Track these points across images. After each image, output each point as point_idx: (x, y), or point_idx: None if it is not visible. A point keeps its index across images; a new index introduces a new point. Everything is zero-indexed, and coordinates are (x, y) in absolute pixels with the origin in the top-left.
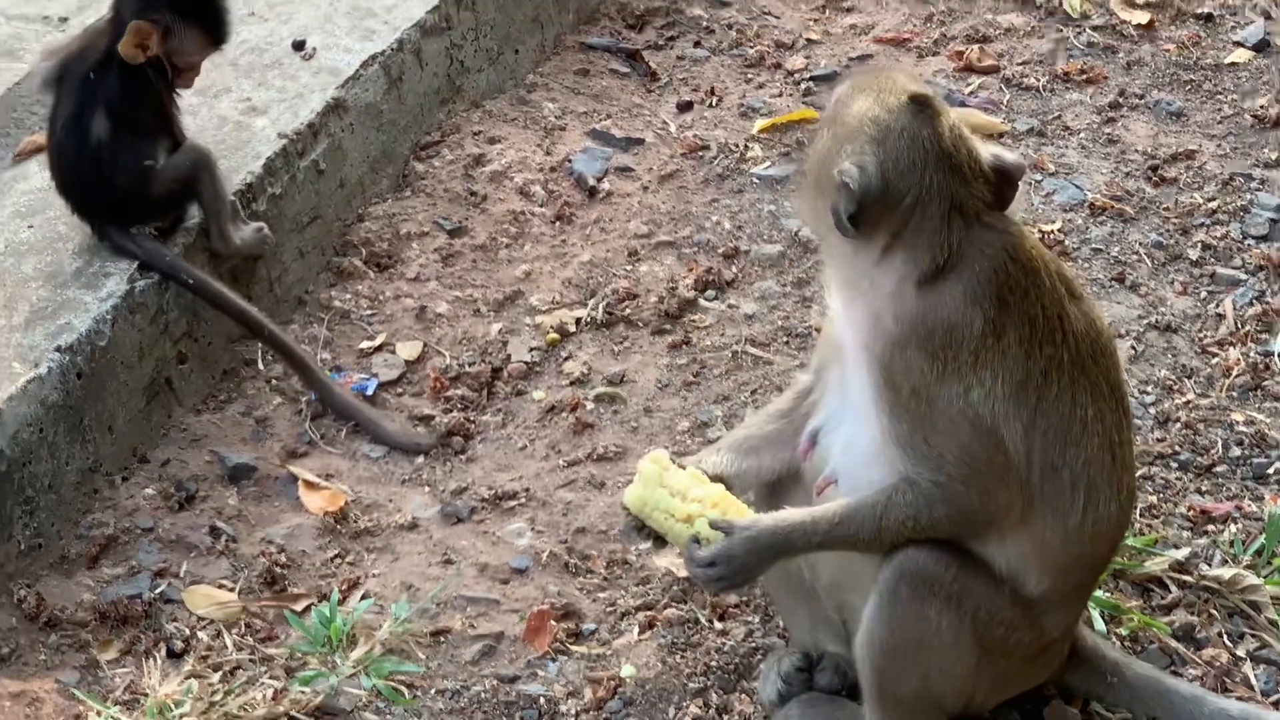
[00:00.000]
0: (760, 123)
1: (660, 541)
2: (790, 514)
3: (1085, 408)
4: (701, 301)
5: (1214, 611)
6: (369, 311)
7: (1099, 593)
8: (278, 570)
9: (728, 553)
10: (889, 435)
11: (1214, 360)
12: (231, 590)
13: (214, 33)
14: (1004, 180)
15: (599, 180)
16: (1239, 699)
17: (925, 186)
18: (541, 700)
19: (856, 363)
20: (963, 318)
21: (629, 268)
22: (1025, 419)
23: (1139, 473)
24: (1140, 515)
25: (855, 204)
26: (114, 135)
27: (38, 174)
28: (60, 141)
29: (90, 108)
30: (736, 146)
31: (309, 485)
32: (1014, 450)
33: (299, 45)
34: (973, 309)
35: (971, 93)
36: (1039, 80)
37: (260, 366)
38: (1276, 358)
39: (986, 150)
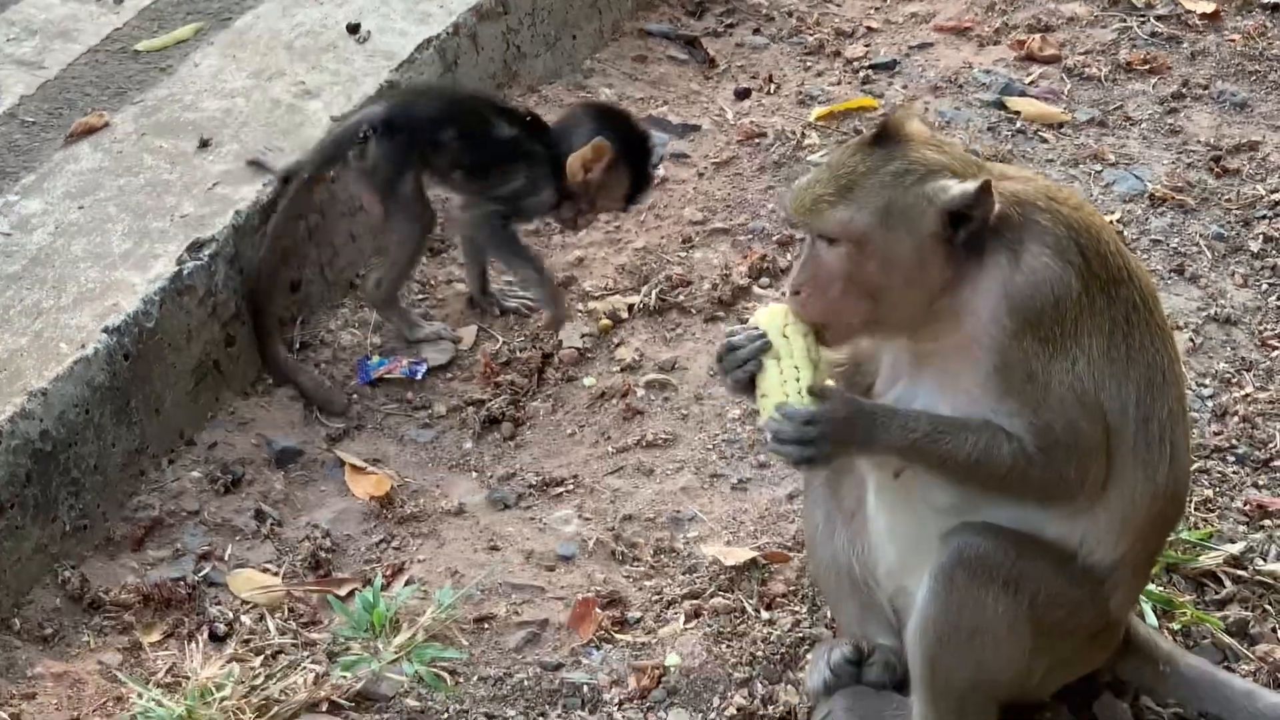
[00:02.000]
0: (818, 110)
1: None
2: (895, 405)
3: (1162, 354)
4: (755, 289)
5: (1268, 607)
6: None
7: (1151, 586)
8: (322, 555)
9: (829, 413)
10: (998, 413)
11: (1274, 353)
12: (275, 574)
13: (640, 181)
14: None
15: (655, 166)
16: None
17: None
18: (585, 689)
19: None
20: (1061, 281)
21: (683, 254)
22: (1119, 373)
23: (1195, 466)
24: (1196, 509)
25: (987, 190)
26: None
27: (89, 155)
28: None
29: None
30: (794, 134)
31: (355, 470)
32: (1112, 415)
33: (354, 28)
34: (1065, 267)
35: (1032, 82)
36: (1101, 70)
37: (310, 351)
38: None
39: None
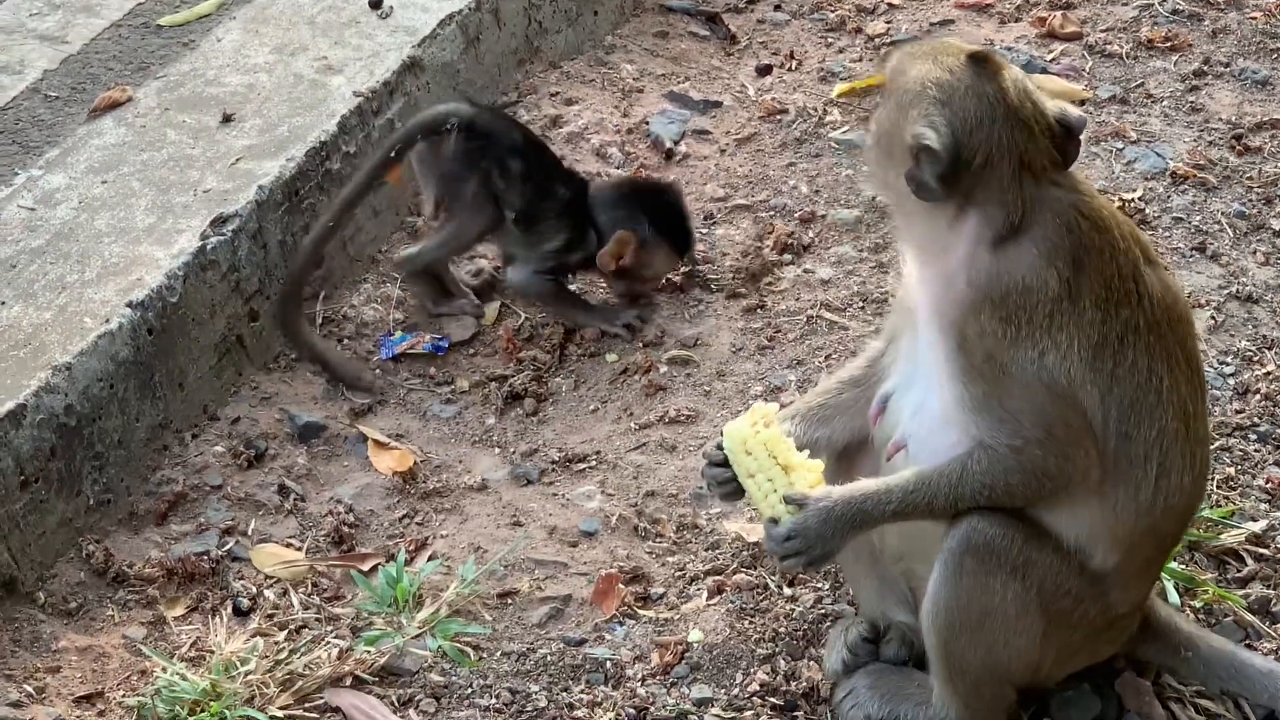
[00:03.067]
0: (840, 87)
1: (737, 494)
2: (864, 484)
3: (1161, 377)
4: (777, 266)
5: None
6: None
7: (1173, 564)
8: (345, 530)
9: (803, 527)
10: (962, 401)
11: None
12: (299, 549)
13: (681, 248)
14: (1068, 135)
15: (676, 143)
16: None
17: (995, 143)
18: (608, 664)
19: (928, 328)
20: (1037, 279)
21: (705, 231)
22: (1101, 385)
23: (1216, 444)
24: (1217, 487)
25: (935, 166)
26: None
27: (112, 130)
28: None
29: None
30: (815, 110)
31: (378, 445)
32: (1091, 413)
33: (376, 3)
34: (1047, 269)
35: (1053, 59)
36: (1123, 47)
37: (333, 326)
38: None
39: (1052, 105)
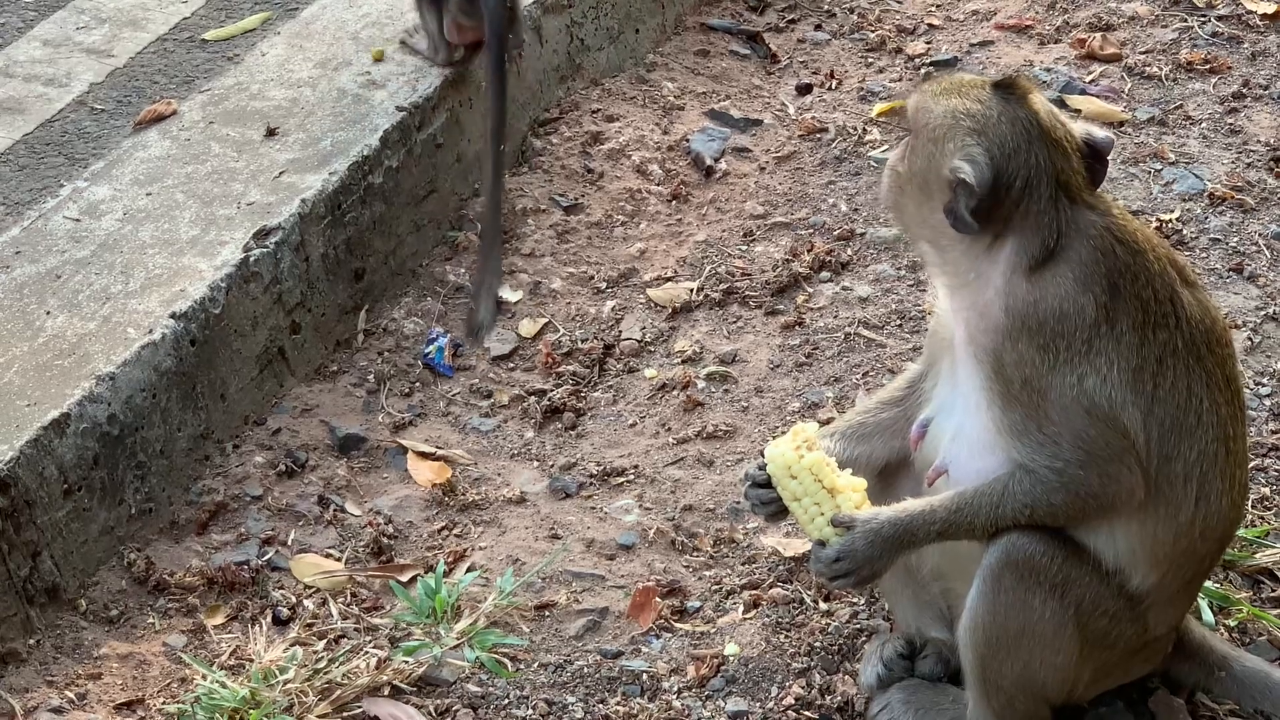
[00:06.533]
0: (879, 106)
1: (781, 514)
2: (908, 505)
3: (1200, 398)
4: (816, 283)
5: None
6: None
7: (1208, 584)
8: (385, 541)
9: (851, 549)
10: (1001, 426)
11: None
12: (338, 559)
13: None
14: (1095, 157)
15: (716, 160)
16: None
17: (1033, 167)
18: (644, 676)
19: (965, 355)
20: (1074, 305)
21: (744, 248)
22: (1143, 407)
23: (1252, 464)
24: (1253, 507)
25: (975, 198)
26: None
27: (157, 142)
28: None
29: None
30: (855, 129)
31: (418, 456)
32: (1134, 434)
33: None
34: (1084, 295)
35: (1093, 80)
36: (1161, 69)
37: (374, 339)
38: None
39: (1078, 126)
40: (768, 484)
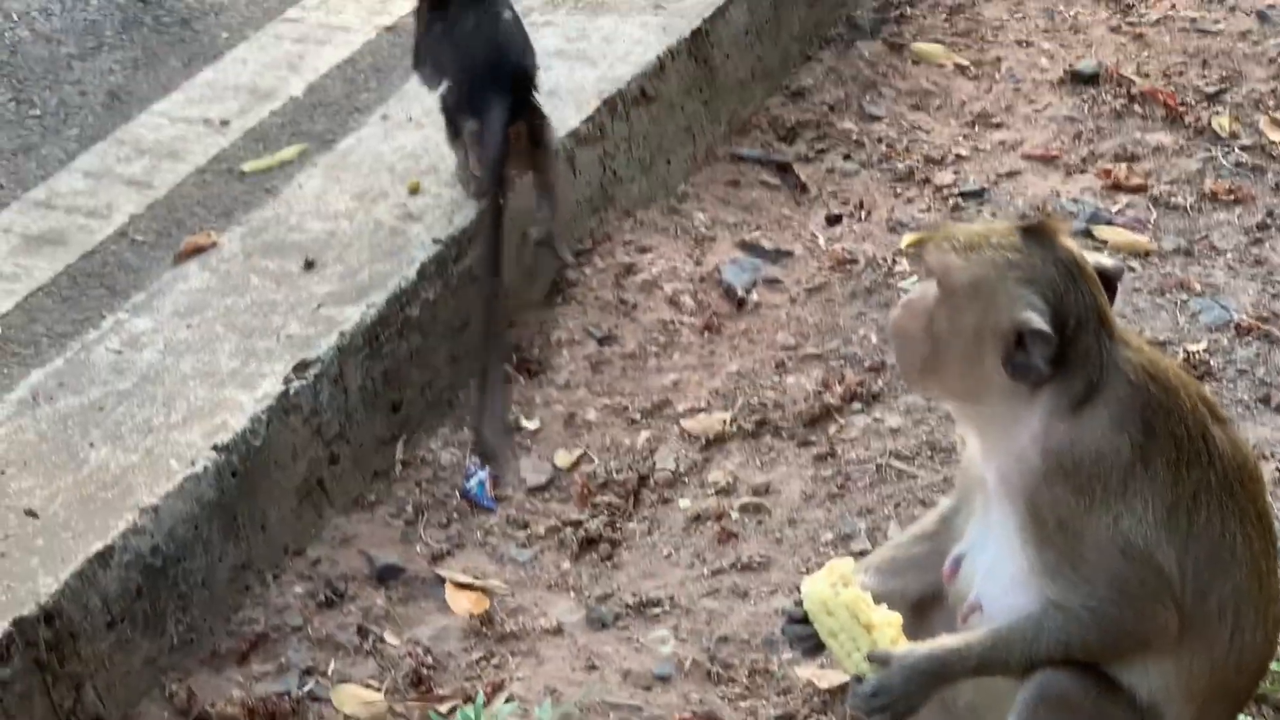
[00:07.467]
0: (908, 237)
1: (818, 649)
2: (944, 641)
3: (1234, 534)
4: (847, 414)
5: None
6: (518, 417)
7: (1242, 717)
8: (424, 671)
9: (888, 684)
10: (1035, 565)
11: None
12: (378, 690)
13: None
14: (1107, 287)
15: (748, 291)
16: None
17: (1081, 306)
18: None
19: (999, 495)
20: (1110, 446)
21: (776, 379)
22: (1177, 545)
23: None
24: None
25: (1051, 345)
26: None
27: (197, 274)
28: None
29: None
30: (884, 260)
31: (456, 587)
32: (1169, 571)
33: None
34: (1119, 436)
35: (1118, 211)
36: (1186, 199)
37: (411, 470)
38: None
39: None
40: (804, 620)
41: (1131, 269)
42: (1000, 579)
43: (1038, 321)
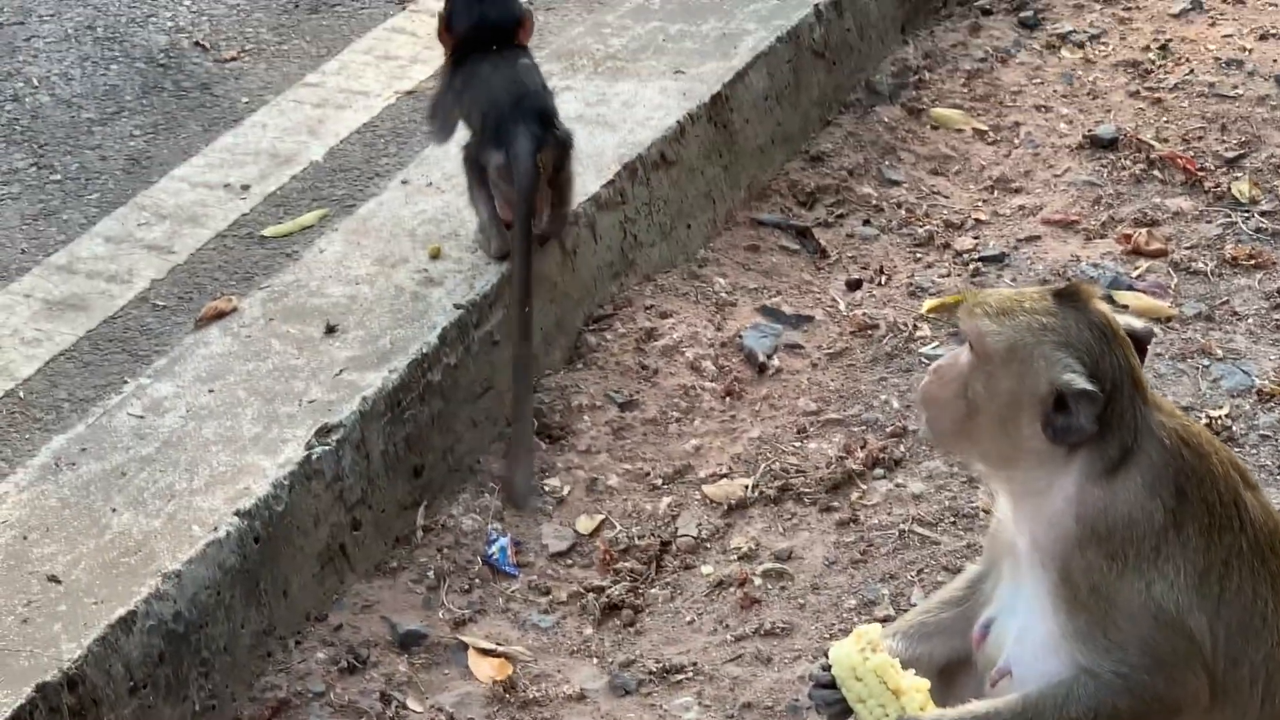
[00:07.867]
0: (929, 302)
1: (845, 714)
2: (973, 707)
3: (1265, 600)
4: (869, 479)
5: None
6: (539, 482)
7: None
8: None
9: None
10: (1066, 630)
11: None
12: None
13: None
14: (1137, 350)
15: (769, 357)
16: None
17: (1116, 369)
18: None
19: (1030, 560)
20: (1142, 512)
21: (797, 444)
22: (1209, 611)
23: None
24: None
25: (1097, 404)
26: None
27: (218, 339)
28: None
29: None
30: (905, 325)
31: (478, 653)
32: (1200, 638)
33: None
34: (1152, 501)
35: (1139, 276)
36: (1207, 264)
37: (433, 535)
38: None
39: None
40: (832, 684)
41: (1153, 335)
42: (1030, 644)
43: (1081, 381)
